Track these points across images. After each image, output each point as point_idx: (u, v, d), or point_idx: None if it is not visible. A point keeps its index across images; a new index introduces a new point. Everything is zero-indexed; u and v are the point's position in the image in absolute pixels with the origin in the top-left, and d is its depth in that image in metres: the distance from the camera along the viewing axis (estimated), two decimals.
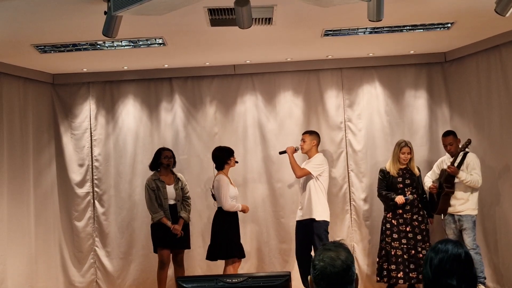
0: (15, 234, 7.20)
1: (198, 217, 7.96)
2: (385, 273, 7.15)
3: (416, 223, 7.11)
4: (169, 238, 7.11)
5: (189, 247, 7.40)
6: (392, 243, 7.09)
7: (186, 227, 7.28)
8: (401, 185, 7.17)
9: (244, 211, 7.11)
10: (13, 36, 6.06)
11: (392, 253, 7.07)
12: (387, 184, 7.25)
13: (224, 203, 6.89)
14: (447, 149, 7.12)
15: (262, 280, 3.85)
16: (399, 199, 7.06)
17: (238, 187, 7.32)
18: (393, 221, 7.14)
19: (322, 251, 2.69)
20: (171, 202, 7.21)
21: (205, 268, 7.90)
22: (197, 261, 7.94)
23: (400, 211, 7.12)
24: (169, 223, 7.08)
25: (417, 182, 7.22)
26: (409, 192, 7.14)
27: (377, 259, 7.31)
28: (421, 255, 7.01)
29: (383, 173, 7.31)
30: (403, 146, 7.21)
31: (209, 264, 7.76)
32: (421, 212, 7.19)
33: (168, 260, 7.23)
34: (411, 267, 7.01)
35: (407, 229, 7.08)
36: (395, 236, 7.09)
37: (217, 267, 7.54)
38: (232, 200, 7.00)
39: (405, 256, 7.03)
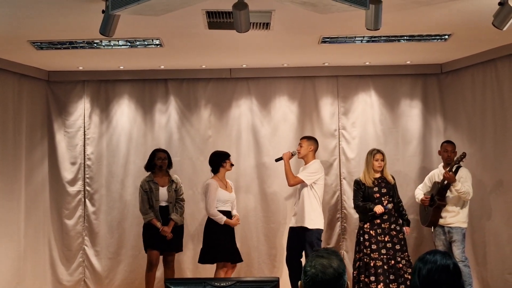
0: (4, 230, 7.16)
1: (189, 220, 7.93)
2: (361, 285, 6.99)
3: (394, 233, 7.04)
4: (159, 239, 7.10)
5: (180, 250, 7.38)
6: (372, 254, 6.96)
7: (179, 229, 7.26)
8: (377, 195, 7.10)
9: (231, 225, 7.03)
10: (10, 32, 6.04)
11: (372, 264, 6.94)
12: (363, 195, 7.15)
13: (208, 208, 6.95)
14: (445, 156, 7.07)
15: (251, 285, 3.85)
16: (378, 208, 6.97)
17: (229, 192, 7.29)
18: (371, 231, 7.02)
19: (315, 257, 2.67)
20: (163, 204, 7.19)
21: (195, 271, 7.88)
22: (186, 264, 7.93)
23: (378, 221, 7.03)
24: (158, 225, 7.07)
25: (393, 190, 7.18)
26: (386, 201, 7.08)
27: (354, 272, 7.15)
28: (400, 265, 6.95)
29: (358, 184, 7.22)
30: (375, 153, 7.19)
31: (199, 267, 7.74)
32: (398, 222, 7.12)
33: (156, 262, 7.21)
34: (391, 278, 6.91)
35: (386, 239, 6.99)
36: (374, 247, 6.97)
37: (207, 270, 7.52)
38: (224, 204, 7.01)
39: (385, 267, 6.92)
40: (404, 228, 7.16)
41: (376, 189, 7.12)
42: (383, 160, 7.17)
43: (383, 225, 7.03)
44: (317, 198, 7.08)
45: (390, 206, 7.06)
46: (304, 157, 7.27)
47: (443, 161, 7.16)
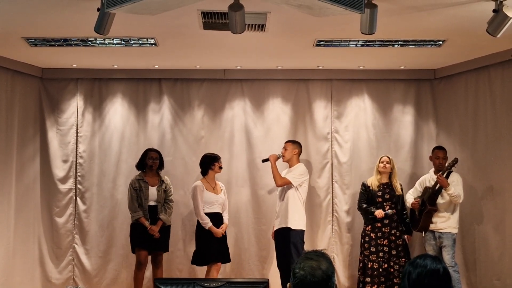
0: None
1: (179, 220, 7.93)
2: (361, 285, 7.21)
3: (393, 238, 7.18)
4: (146, 239, 7.11)
5: (167, 250, 7.38)
6: (370, 256, 7.17)
7: (166, 229, 7.27)
8: (380, 199, 7.25)
9: (214, 233, 7.06)
10: (4, 28, 6.02)
11: (369, 265, 7.15)
12: (367, 198, 7.33)
13: (196, 213, 7.13)
14: (437, 162, 7.11)
15: (241, 286, 3.86)
16: (379, 213, 7.15)
17: (217, 193, 7.30)
18: (371, 234, 7.22)
19: (304, 259, 2.68)
20: (152, 203, 7.20)
21: (184, 271, 7.87)
22: (176, 264, 7.91)
23: (379, 224, 7.20)
24: (146, 223, 7.09)
25: (397, 198, 7.27)
26: (388, 207, 7.21)
27: (358, 273, 7.37)
28: (392, 270, 7.11)
29: (365, 186, 7.42)
30: (382, 156, 7.41)
31: (188, 267, 7.76)
32: (399, 228, 7.25)
33: (145, 261, 7.22)
34: (381, 279, 7.09)
35: (384, 242, 7.17)
36: (372, 249, 7.17)
37: (196, 270, 7.52)
38: (210, 206, 7.11)
39: (380, 270, 7.11)
40: (405, 236, 7.29)
41: (379, 193, 7.27)
42: (389, 163, 7.30)
43: (383, 229, 7.20)
44: (301, 200, 7.16)
45: (390, 211, 7.19)
46: (289, 160, 7.36)
47: (434, 167, 7.20)
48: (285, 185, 7.18)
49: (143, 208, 7.14)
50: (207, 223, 7.02)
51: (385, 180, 7.34)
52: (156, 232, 7.08)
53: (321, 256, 2.69)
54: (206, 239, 7.04)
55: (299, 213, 7.11)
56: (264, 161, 7.44)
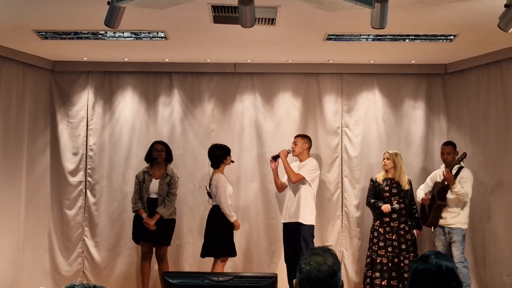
0: (4, 219, 7.16)
1: (189, 214, 7.95)
2: (368, 280, 7.21)
3: (402, 232, 7.18)
4: (145, 231, 7.16)
5: (167, 244, 7.34)
6: (378, 251, 7.17)
7: (166, 223, 7.23)
8: (387, 194, 7.27)
9: (235, 226, 7.09)
10: (15, 21, 6.04)
11: (378, 261, 7.15)
12: (375, 193, 7.35)
13: (224, 205, 6.95)
14: (444, 157, 7.12)
15: (249, 280, 3.85)
16: (385, 207, 7.16)
17: (231, 185, 7.30)
18: (380, 229, 7.22)
19: (310, 255, 2.69)
20: (153, 196, 7.24)
21: (193, 264, 7.89)
22: (185, 257, 7.94)
23: (387, 219, 7.20)
24: (144, 215, 7.14)
25: (404, 192, 7.26)
26: (395, 201, 7.21)
27: (364, 268, 7.37)
28: (402, 264, 7.11)
29: (373, 182, 7.45)
30: (384, 153, 7.44)
31: (197, 261, 7.76)
32: (408, 222, 7.25)
33: (148, 252, 7.29)
34: (393, 275, 7.10)
35: (393, 237, 7.17)
36: (381, 244, 7.17)
37: (205, 264, 7.53)
38: (229, 198, 7.07)
39: (389, 265, 7.11)
40: (414, 231, 7.29)
41: (386, 188, 7.30)
42: (388, 159, 7.32)
43: (392, 224, 7.21)
44: (312, 195, 7.18)
45: (397, 206, 7.19)
46: (299, 155, 7.34)
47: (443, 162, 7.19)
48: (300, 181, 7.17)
49: (142, 200, 7.20)
50: (234, 215, 7.02)
51: (390, 175, 7.34)
52: (151, 225, 7.10)
53: (327, 251, 2.71)
54: (226, 232, 7.01)
55: (309, 208, 7.12)
56: (275, 157, 7.39)
